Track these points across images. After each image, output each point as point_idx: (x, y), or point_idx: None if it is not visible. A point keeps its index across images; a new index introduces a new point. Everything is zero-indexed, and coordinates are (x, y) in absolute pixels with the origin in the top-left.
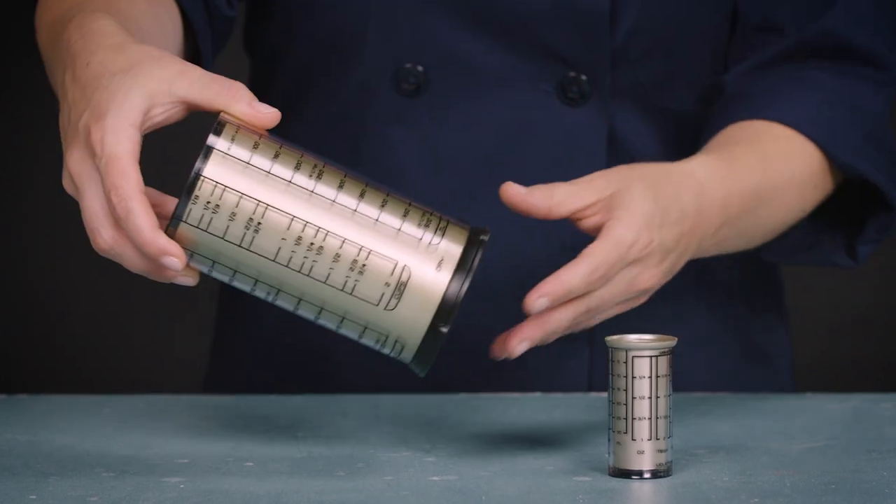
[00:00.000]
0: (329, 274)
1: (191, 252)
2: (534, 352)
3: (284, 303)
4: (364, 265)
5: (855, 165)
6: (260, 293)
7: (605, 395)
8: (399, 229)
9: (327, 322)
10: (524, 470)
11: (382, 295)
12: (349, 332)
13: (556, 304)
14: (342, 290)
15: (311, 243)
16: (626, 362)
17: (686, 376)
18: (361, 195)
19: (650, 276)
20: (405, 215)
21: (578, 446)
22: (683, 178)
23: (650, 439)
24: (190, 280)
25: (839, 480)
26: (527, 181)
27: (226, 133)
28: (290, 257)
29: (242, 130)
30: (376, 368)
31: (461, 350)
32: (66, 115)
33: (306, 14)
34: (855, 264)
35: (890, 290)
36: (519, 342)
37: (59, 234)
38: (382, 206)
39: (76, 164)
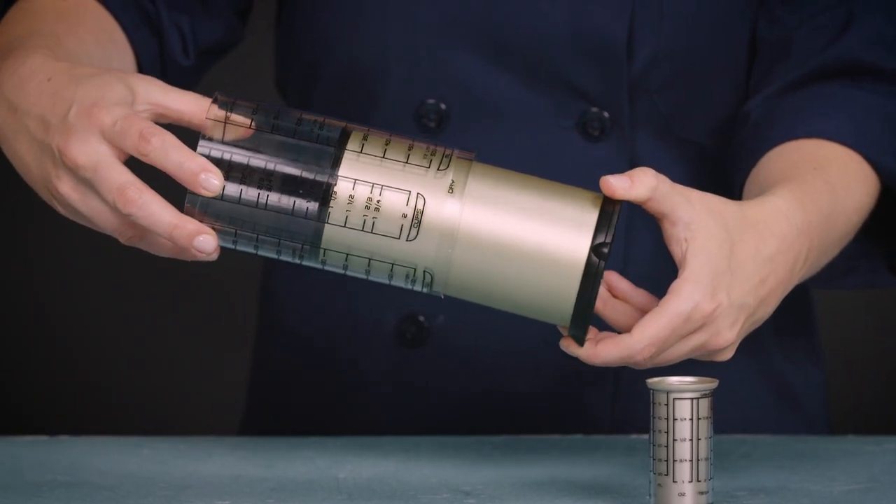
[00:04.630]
0: (347, 217)
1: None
2: (554, 388)
3: (311, 260)
4: (378, 201)
5: None
6: (286, 255)
7: (645, 437)
8: (406, 162)
9: (356, 270)
10: None
11: (402, 227)
12: (379, 275)
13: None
14: (363, 230)
15: None
16: (667, 404)
17: (715, 417)
18: (364, 139)
19: (724, 339)
20: (410, 149)
21: (619, 488)
22: (768, 222)
23: (691, 481)
24: (214, 255)
25: None
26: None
27: (221, 104)
28: (307, 209)
29: (238, 103)
30: (411, 405)
31: (478, 388)
32: (36, 130)
33: (328, 51)
34: None
35: None
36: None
37: (102, 277)
38: (386, 145)
39: (89, 154)
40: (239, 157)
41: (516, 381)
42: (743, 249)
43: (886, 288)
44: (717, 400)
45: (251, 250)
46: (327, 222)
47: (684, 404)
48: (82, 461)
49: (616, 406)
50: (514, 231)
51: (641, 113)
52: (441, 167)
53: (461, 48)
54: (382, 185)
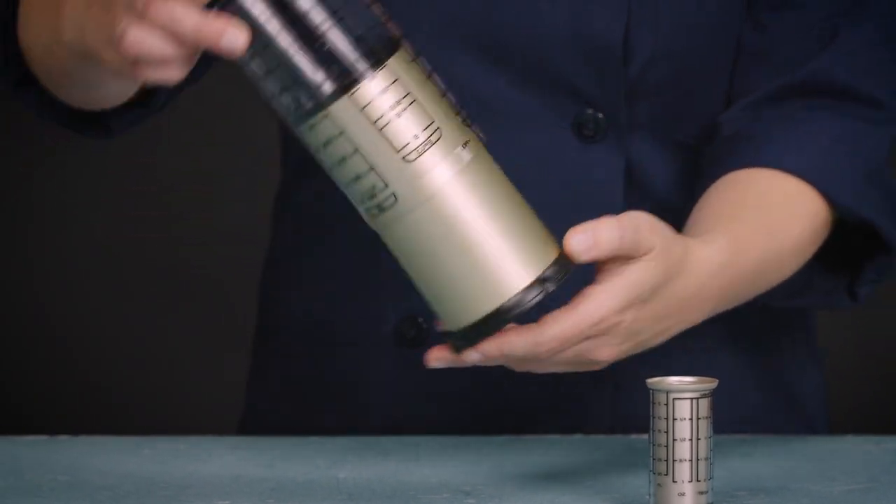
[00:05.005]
0: (369, 103)
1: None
2: (553, 387)
3: (298, 121)
4: (405, 108)
5: (857, 210)
6: (281, 101)
7: (645, 436)
8: (443, 96)
9: (329, 157)
10: None
11: (408, 144)
12: (346, 173)
13: (489, 361)
14: (373, 123)
15: None
16: (666, 404)
17: (714, 417)
18: (416, 56)
19: (606, 354)
20: (444, 95)
21: (619, 488)
22: (697, 271)
23: (691, 481)
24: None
25: None
26: (543, 218)
27: None
28: (338, 73)
29: None
30: (411, 405)
31: (478, 388)
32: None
33: None
34: (855, 304)
35: None
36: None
37: (102, 277)
38: (430, 74)
39: None
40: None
41: (515, 381)
42: (667, 287)
43: (843, 308)
44: (716, 400)
45: (256, 78)
46: (349, 96)
47: (684, 404)
48: (82, 461)
49: (615, 407)
50: (479, 226)
51: (637, 114)
52: (466, 123)
53: (460, 48)
54: (416, 99)
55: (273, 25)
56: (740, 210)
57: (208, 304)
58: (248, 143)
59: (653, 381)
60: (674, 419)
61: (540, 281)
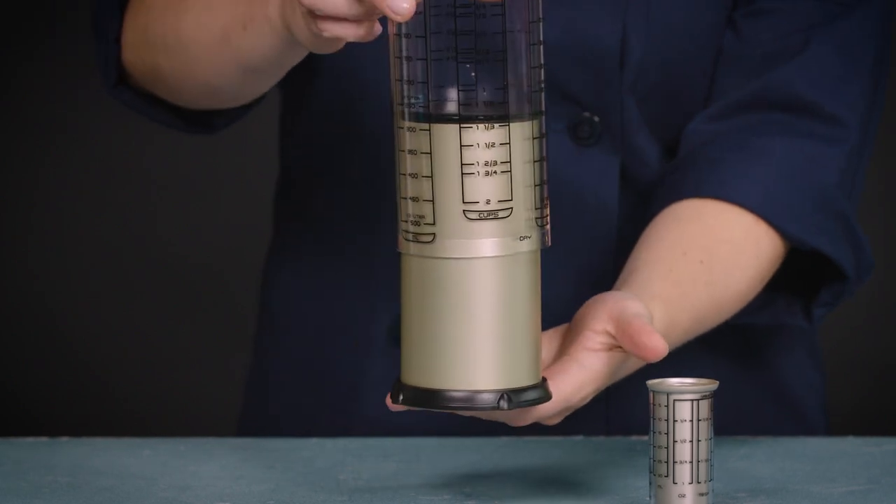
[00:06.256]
0: (472, 146)
1: None
2: None
3: (415, 97)
4: (496, 173)
5: (808, 240)
6: (412, 80)
7: (645, 438)
8: (537, 185)
9: (416, 162)
10: None
11: (476, 203)
12: (414, 188)
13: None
14: (461, 165)
15: None
16: (667, 406)
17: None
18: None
19: (556, 420)
20: (538, 185)
21: (620, 490)
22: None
23: (691, 483)
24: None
25: None
26: None
27: None
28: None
29: None
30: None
31: None
32: None
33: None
34: (810, 325)
35: None
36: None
37: (100, 280)
38: (538, 160)
39: None
40: None
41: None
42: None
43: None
44: (716, 402)
45: (393, 52)
46: (460, 128)
47: (684, 406)
48: (83, 462)
49: (610, 410)
50: (485, 316)
51: (631, 118)
52: (540, 222)
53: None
54: (511, 172)
55: (436, 23)
56: (678, 261)
57: (209, 305)
58: (248, 145)
59: (653, 383)
60: (674, 421)
61: (499, 394)
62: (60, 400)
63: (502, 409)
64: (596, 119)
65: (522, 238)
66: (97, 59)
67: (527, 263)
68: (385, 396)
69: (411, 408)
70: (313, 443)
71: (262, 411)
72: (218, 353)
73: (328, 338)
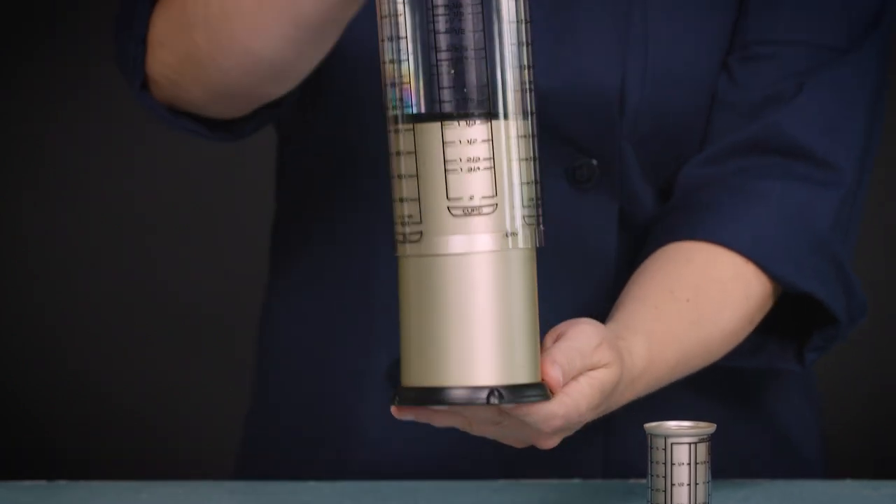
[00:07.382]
0: (453, 142)
1: None
2: None
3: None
4: (480, 169)
5: (798, 283)
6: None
7: (643, 481)
8: (527, 183)
9: (402, 163)
10: None
11: (459, 199)
12: (402, 188)
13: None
14: (443, 162)
15: None
16: (664, 449)
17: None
18: None
19: (552, 443)
20: (529, 183)
21: None
22: (629, 384)
23: None
24: None
25: None
26: (537, 263)
27: None
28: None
29: None
30: (406, 450)
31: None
32: None
33: (315, 93)
34: (802, 369)
35: None
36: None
37: (100, 321)
38: (529, 159)
39: None
40: None
41: None
42: (611, 401)
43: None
44: (713, 445)
45: (382, 59)
46: (440, 125)
47: (682, 449)
48: None
49: (608, 452)
50: (478, 312)
51: (629, 161)
52: (531, 220)
53: None
54: (495, 167)
55: (417, 23)
56: (665, 299)
57: (208, 343)
58: (247, 173)
59: (650, 426)
60: (672, 464)
61: (498, 390)
62: (58, 443)
63: (500, 403)
64: (594, 163)
65: (508, 235)
66: (122, 62)
67: (517, 261)
68: (386, 441)
69: (411, 408)
70: (311, 486)
71: (261, 450)
72: (217, 392)
73: (326, 377)
